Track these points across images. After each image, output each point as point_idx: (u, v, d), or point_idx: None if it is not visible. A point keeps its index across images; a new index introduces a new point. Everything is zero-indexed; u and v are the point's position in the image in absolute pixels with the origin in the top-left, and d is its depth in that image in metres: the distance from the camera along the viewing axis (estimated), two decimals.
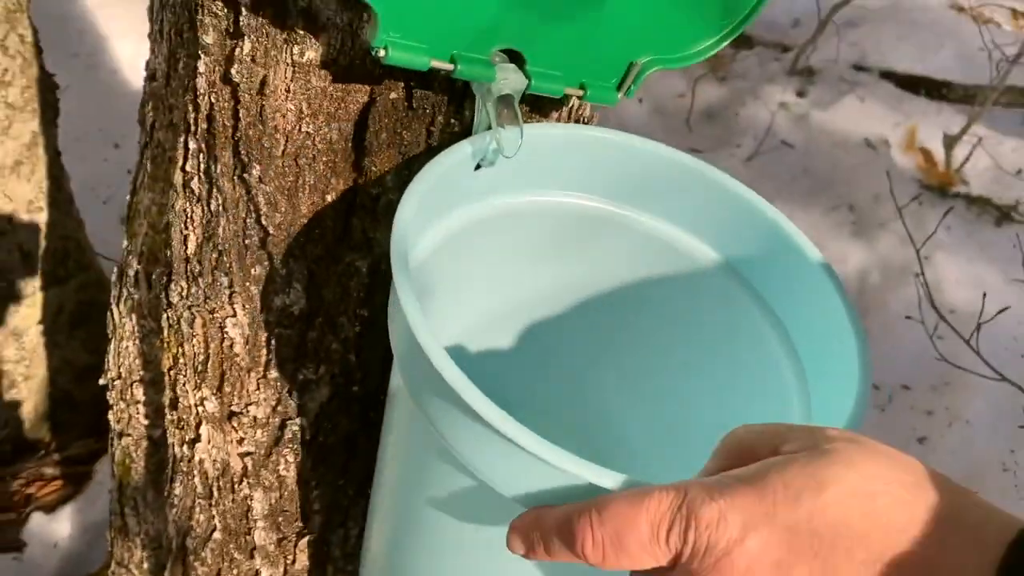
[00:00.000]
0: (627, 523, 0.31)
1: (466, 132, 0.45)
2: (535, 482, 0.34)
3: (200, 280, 0.51)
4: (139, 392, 0.67)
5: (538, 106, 0.47)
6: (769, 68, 2.07)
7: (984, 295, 1.26)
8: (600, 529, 0.31)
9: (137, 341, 0.65)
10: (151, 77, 0.56)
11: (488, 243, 0.50)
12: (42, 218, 1.03)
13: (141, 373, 0.66)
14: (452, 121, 0.45)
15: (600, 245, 0.53)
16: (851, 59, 2.07)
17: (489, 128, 0.42)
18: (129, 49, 1.87)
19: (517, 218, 0.50)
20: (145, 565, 0.79)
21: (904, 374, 1.49)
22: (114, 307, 0.66)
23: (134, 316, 0.64)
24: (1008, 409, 1.38)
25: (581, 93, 0.43)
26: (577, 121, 0.52)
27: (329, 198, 0.46)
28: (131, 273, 0.63)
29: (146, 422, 0.69)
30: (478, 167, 0.44)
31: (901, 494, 0.29)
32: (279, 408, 0.54)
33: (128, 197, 0.63)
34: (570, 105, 0.49)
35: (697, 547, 0.30)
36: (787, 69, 2.04)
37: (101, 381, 0.70)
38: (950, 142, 1.79)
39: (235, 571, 0.64)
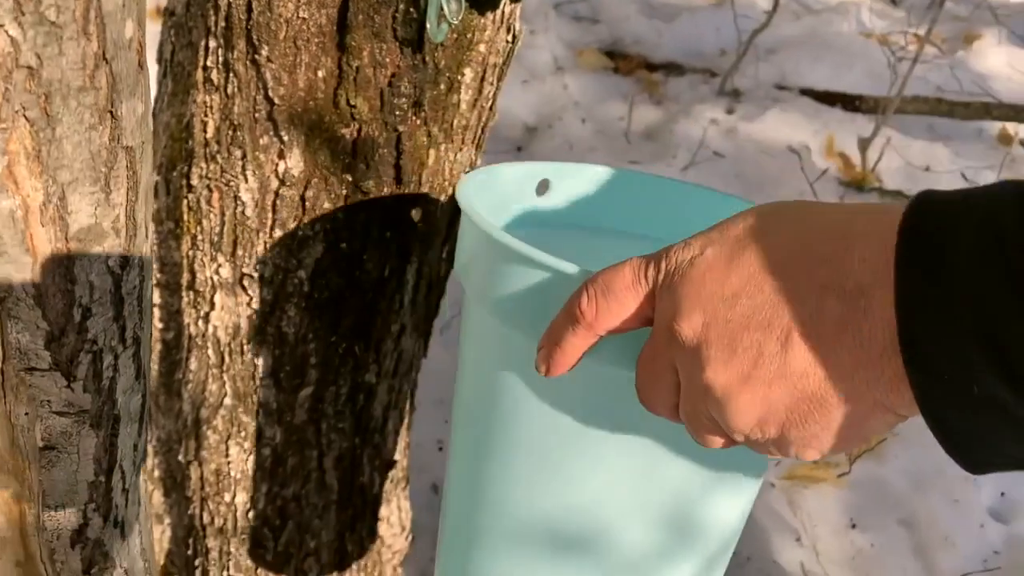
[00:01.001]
0: (613, 274, 0.38)
1: (421, 18, 0.60)
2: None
3: (218, 157, 0.64)
4: (155, 296, 0.80)
5: (478, 3, 0.62)
6: (699, 91, 2.27)
7: None
8: (592, 286, 0.39)
9: (155, 247, 0.78)
10: (171, 14, 0.70)
11: None
12: None
13: (157, 276, 0.79)
14: (411, 10, 0.60)
15: None
16: (773, 79, 2.28)
17: (440, 5, 0.56)
18: None
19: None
20: (156, 472, 0.90)
21: None
22: None
23: (152, 225, 0.77)
24: None
25: None
26: (508, 29, 0.67)
27: (320, 74, 0.60)
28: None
29: (160, 325, 0.81)
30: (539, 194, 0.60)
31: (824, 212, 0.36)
32: (282, 264, 0.67)
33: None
34: (501, 9, 0.64)
35: (668, 269, 0.37)
36: (716, 91, 2.24)
37: None
38: (863, 145, 1.98)
39: (243, 434, 0.76)
